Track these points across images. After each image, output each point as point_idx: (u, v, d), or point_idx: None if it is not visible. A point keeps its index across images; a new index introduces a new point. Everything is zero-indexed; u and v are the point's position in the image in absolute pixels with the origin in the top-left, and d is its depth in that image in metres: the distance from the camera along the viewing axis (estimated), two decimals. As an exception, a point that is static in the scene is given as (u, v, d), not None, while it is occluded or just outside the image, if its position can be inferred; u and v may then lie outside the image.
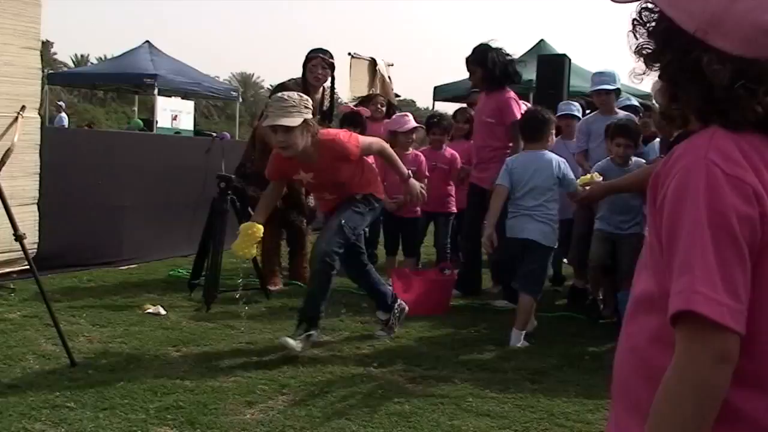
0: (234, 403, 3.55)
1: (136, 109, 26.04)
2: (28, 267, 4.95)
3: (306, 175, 4.51)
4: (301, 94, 4.33)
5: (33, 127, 6.05)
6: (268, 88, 47.67)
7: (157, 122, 19.87)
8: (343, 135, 4.52)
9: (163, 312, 5.20)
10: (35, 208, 5.91)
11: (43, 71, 7.24)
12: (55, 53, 52.35)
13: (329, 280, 4.46)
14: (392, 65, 12.32)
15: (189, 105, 22.55)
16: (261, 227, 4.47)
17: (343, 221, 4.45)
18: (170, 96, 21.60)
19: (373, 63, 11.63)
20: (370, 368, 4.22)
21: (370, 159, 4.79)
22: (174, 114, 21.06)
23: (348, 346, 4.65)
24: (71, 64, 53.40)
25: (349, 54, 11.31)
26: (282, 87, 6.29)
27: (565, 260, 6.72)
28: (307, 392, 3.76)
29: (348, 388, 3.87)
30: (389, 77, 12.01)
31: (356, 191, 4.59)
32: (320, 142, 4.32)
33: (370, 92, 10.62)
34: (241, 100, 26.13)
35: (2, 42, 5.70)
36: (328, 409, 3.54)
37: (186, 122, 21.50)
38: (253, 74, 65.90)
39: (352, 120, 7.31)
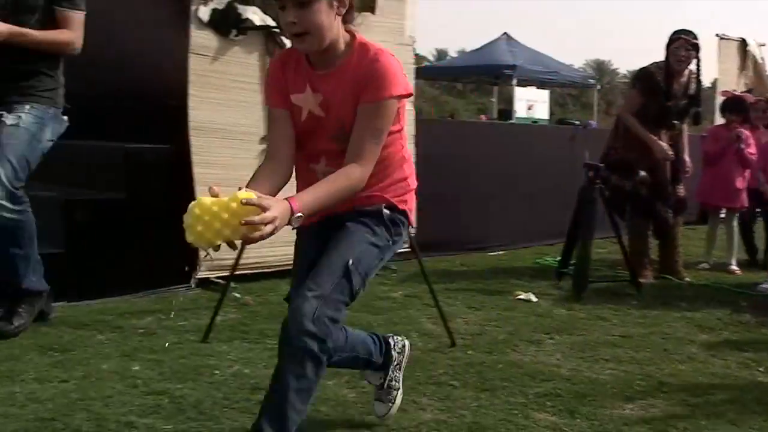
0: (611, 396, 3.48)
1: (494, 100, 26.71)
2: (408, 249, 5.31)
3: (313, 98, 2.56)
4: None
5: (409, 119, 6.46)
6: (624, 75, 46.40)
7: (515, 112, 20.33)
8: (396, 60, 2.60)
9: (534, 299, 5.29)
10: (413, 195, 6.28)
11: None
12: (415, 49, 55.40)
13: (316, 369, 2.40)
14: (764, 45, 11.41)
15: (544, 94, 22.80)
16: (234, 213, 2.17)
17: (351, 261, 2.49)
18: (526, 86, 21.97)
19: (743, 44, 10.88)
20: (755, 372, 3.93)
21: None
22: (530, 104, 21.46)
23: (728, 346, 4.36)
24: (431, 59, 56.26)
25: (717, 35, 10.66)
26: (643, 72, 6.12)
27: None
28: (689, 393, 3.57)
29: (731, 391, 3.63)
30: (762, 58, 11.15)
31: (377, 191, 2.73)
32: (355, 45, 2.55)
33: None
34: (598, 87, 25.80)
35: (380, 39, 6.10)
36: (710, 413, 3.32)
37: (541, 111, 21.81)
38: (608, 60, 64.60)
39: (734, 106, 6.87)
